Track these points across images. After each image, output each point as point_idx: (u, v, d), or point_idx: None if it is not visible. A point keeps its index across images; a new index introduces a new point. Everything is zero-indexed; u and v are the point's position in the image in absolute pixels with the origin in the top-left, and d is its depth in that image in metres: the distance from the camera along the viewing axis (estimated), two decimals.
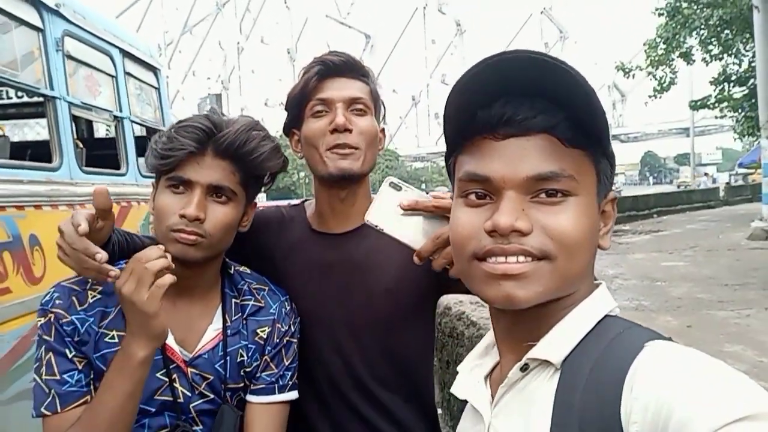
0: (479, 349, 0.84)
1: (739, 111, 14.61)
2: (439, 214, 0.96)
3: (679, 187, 43.57)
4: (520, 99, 0.67)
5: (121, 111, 3.55)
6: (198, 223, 1.08)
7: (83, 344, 1.08)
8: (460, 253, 0.71)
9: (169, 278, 1.00)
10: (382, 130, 1.34)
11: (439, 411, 1.45)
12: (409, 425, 1.29)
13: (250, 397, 1.20)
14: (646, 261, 7.77)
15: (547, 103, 0.66)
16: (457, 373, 0.83)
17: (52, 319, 1.08)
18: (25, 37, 2.83)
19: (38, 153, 3.29)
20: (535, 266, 0.66)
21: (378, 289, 1.26)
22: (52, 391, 1.05)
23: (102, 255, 1.01)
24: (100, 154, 3.76)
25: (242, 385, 1.20)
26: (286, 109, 1.32)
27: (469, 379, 0.81)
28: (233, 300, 1.22)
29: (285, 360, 1.23)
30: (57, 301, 1.09)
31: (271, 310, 1.24)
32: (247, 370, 1.20)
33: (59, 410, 1.05)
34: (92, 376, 1.09)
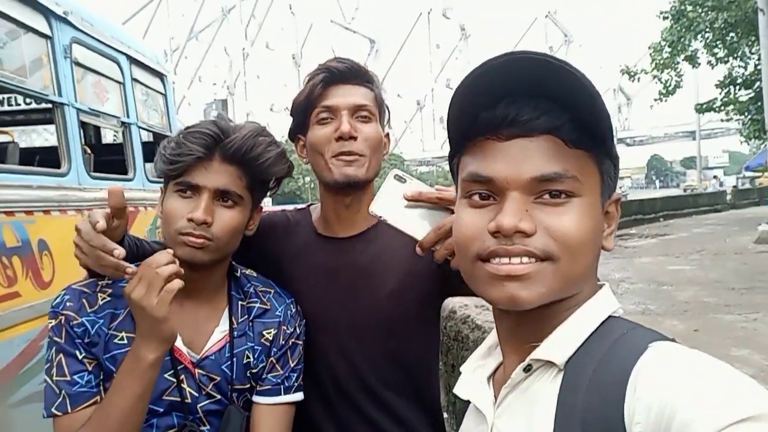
0: (482, 349, 0.84)
1: (745, 114, 14.56)
2: (443, 205, 0.97)
3: (685, 190, 43.14)
4: (524, 100, 0.66)
5: (128, 117, 3.57)
6: (205, 227, 1.10)
7: (93, 345, 1.10)
8: (464, 253, 0.70)
9: (177, 283, 1.02)
10: (387, 135, 1.35)
11: (445, 415, 1.45)
12: (414, 426, 1.30)
13: (256, 398, 1.22)
14: (653, 265, 7.73)
15: (551, 104, 0.66)
16: (461, 374, 0.84)
17: (62, 321, 1.10)
18: (33, 44, 2.85)
19: (47, 159, 3.31)
20: (539, 267, 0.65)
21: (382, 293, 1.27)
22: (63, 391, 1.07)
23: (120, 251, 1.03)
24: (108, 160, 3.78)
25: (248, 386, 1.21)
26: (291, 115, 1.33)
27: (472, 379, 0.80)
28: (240, 302, 1.24)
29: (291, 362, 1.24)
30: (68, 304, 1.11)
31: (277, 313, 1.25)
32: (254, 371, 1.21)
33: (70, 410, 1.06)
34: (102, 377, 1.10)
